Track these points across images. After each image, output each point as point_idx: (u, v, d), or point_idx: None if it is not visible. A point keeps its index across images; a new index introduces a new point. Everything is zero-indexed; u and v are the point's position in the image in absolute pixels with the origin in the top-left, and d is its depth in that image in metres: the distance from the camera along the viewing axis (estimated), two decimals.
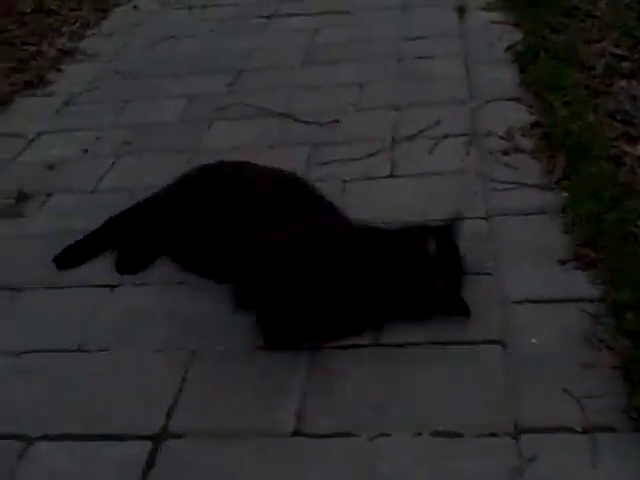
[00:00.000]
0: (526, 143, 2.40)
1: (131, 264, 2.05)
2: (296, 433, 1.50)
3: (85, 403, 1.65)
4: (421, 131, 2.54)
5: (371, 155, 2.43)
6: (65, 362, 1.77)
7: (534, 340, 1.64)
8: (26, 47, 3.64)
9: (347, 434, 1.48)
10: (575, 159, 2.21)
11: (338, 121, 2.70)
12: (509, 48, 3.06)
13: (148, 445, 1.52)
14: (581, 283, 1.78)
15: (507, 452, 1.39)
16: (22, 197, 2.43)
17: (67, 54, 3.62)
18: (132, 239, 2.10)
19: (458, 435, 1.44)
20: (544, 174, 2.22)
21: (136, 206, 2.20)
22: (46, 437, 1.57)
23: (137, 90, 3.18)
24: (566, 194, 2.09)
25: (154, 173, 2.49)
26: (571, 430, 1.41)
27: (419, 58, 3.15)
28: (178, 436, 1.54)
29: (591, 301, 1.71)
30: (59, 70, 3.48)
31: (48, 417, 1.62)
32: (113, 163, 2.61)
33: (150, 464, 1.48)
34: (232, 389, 1.62)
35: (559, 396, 1.48)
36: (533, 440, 1.40)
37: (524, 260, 1.88)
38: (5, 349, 1.83)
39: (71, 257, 2.10)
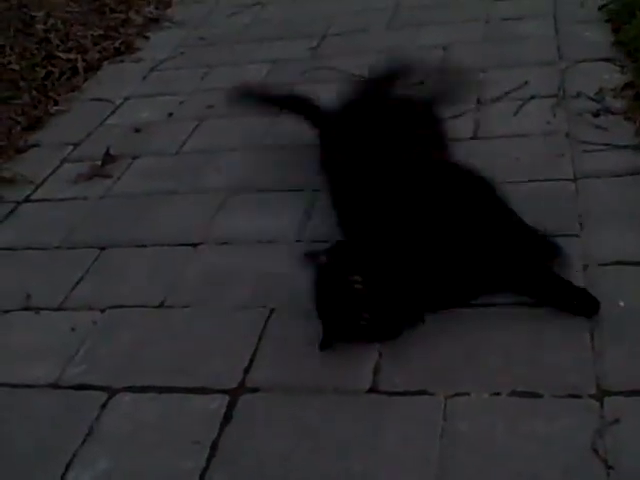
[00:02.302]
0: (618, 104, 2.30)
1: None
2: (372, 390, 1.50)
3: (167, 358, 1.68)
4: (507, 92, 2.48)
5: (455, 117, 2.37)
6: (148, 318, 1.81)
7: (621, 303, 1.58)
8: (115, 15, 3.71)
9: (423, 392, 1.46)
10: None
11: (422, 83, 2.65)
12: (602, 7, 2.94)
13: (226, 399, 1.54)
14: None
15: (589, 414, 1.35)
16: (109, 159, 2.49)
17: (154, 21, 3.68)
18: None
19: (538, 395, 1.41)
20: (636, 135, 2.13)
21: None
22: (130, 389, 1.61)
23: (221, 56, 3.21)
24: None
25: (235, 136, 2.52)
26: None
27: (507, 19, 3.06)
28: (255, 390, 1.55)
29: None
30: (146, 37, 3.54)
31: (131, 370, 1.66)
32: (196, 126, 2.64)
33: (228, 417, 1.50)
34: (309, 347, 1.62)
35: None
36: (617, 402, 1.36)
37: (612, 222, 1.81)
38: (91, 304, 1.88)
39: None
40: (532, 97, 2.42)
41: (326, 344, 1.60)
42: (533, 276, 1.64)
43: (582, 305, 1.58)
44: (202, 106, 2.78)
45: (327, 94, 2.69)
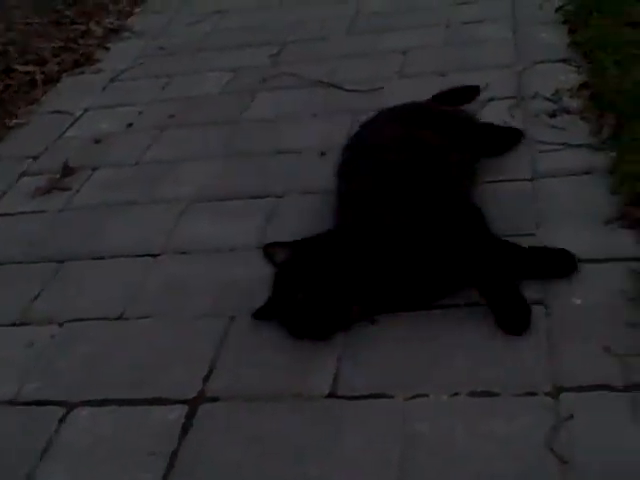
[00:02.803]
0: (574, 104, 2.32)
1: None
2: (331, 395, 1.49)
3: (126, 370, 1.67)
4: None
5: None
6: (107, 330, 1.79)
7: (577, 300, 1.59)
8: (74, 26, 3.69)
9: (382, 395, 1.46)
10: (625, 118, 2.13)
11: (382, 88, 2.66)
12: (559, 9, 2.97)
13: (185, 409, 1.53)
14: (627, 243, 1.71)
15: (545, 411, 1.35)
16: (68, 171, 2.47)
17: (114, 32, 3.67)
18: None
19: (496, 395, 1.41)
20: (592, 135, 2.14)
21: None
22: (88, 402, 1.60)
23: (181, 65, 3.20)
24: (614, 154, 2.02)
25: (195, 145, 2.52)
26: (612, 388, 1.37)
27: (466, 23, 3.09)
28: (214, 399, 1.54)
29: (637, 260, 1.65)
30: (106, 48, 3.53)
31: (89, 384, 1.65)
32: (157, 136, 2.63)
33: (187, 427, 1.49)
34: (268, 354, 1.62)
35: (601, 355, 1.44)
36: (572, 399, 1.37)
37: (569, 221, 1.82)
38: (50, 318, 1.86)
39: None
40: (491, 99, 2.44)
41: (260, 314, 1.68)
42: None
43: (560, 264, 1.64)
44: (162, 116, 2.77)
45: (288, 101, 2.71)
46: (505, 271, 1.62)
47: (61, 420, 1.56)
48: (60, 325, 1.83)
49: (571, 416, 1.32)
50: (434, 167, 1.86)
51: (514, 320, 1.55)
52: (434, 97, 2.38)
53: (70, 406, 1.59)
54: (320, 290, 1.59)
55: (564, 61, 2.59)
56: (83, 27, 3.68)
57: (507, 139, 2.16)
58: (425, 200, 1.73)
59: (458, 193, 1.83)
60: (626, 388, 1.36)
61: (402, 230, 1.65)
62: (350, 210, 1.80)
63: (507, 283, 1.60)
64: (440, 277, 1.64)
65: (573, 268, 1.65)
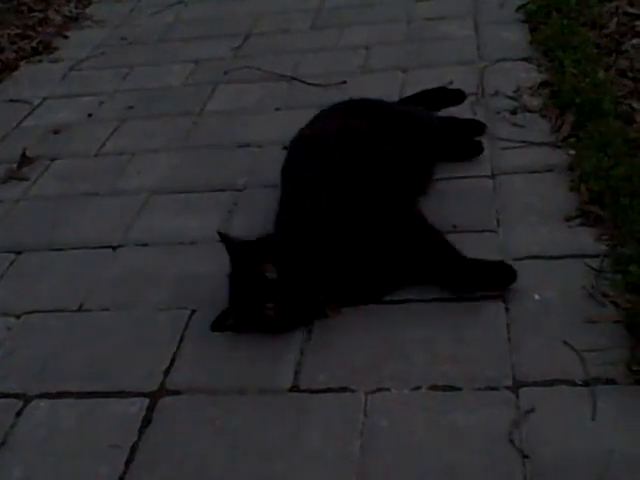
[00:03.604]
0: (534, 102, 2.35)
1: None
2: (294, 389, 1.49)
3: (85, 362, 1.64)
4: None
5: None
6: (66, 322, 1.77)
7: (537, 296, 1.61)
8: (33, 14, 3.63)
9: (344, 389, 1.47)
10: (584, 117, 2.17)
11: (345, 82, 2.66)
12: (520, 8, 3.00)
13: (146, 402, 1.51)
14: (586, 239, 1.74)
15: (506, 405, 1.37)
16: (26, 161, 2.43)
17: (73, 20, 3.62)
18: None
19: (457, 389, 1.42)
20: (552, 132, 2.17)
21: None
22: (46, 395, 1.57)
23: (143, 56, 3.17)
24: (573, 152, 2.05)
25: (157, 137, 2.50)
26: (571, 383, 1.39)
27: (429, 19, 3.10)
28: (175, 393, 1.53)
29: (596, 257, 1.68)
30: (65, 37, 3.48)
31: (47, 376, 1.62)
32: (117, 127, 2.60)
33: (147, 420, 1.48)
34: (229, 347, 1.61)
35: (560, 350, 1.46)
36: (532, 393, 1.38)
37: (529, 217, 1.84)
38: (6, 310, 1.83)
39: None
40: None
41: (219, 326, 1.63)
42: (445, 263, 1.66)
43: (498, 276, 1.63)
44: (123, 107, 2.74)
45: (250, 94, 2.70)
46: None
47: (18, 413, 1.53)
48: (17, 317, 1.80)
49: (532, 410, 1.34)
50: (371, 160, 1.84)
51: (499, 276, 1.61)
52: (416, 95, 2.38)
53: (27, 398, 1.56)
54: (290, 297, 1.58)
55: (525, 59, 2.63)
56: (41, 15, 3.62)
57: (467, 148, 2.13)
58: (363, 196, 1.72)
59: (398, 193, 1.81)
60: (585, 383, 1.38)
61: (342, 227, 1.65)
62: (290, 208, 1.80)
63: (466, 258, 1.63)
64: (387, 270, 1.65)
65: (511, 280, 1.63)
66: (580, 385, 1.38)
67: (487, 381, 1.43)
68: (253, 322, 1.61)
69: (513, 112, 2.31)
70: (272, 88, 2.73)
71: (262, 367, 1.55)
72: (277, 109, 2.58)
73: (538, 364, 1.44)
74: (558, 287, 1.62)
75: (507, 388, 1.40)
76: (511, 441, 1.30)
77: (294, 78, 2.75)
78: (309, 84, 2.69)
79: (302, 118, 2.41)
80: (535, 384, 1.40)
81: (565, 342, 1.47)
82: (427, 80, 2.54)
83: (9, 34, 3.39)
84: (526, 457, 1.27)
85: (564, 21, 2.77)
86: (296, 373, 1.52)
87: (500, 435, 1.32)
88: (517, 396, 1.38)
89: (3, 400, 1.57)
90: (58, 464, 1.41)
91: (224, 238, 1.68)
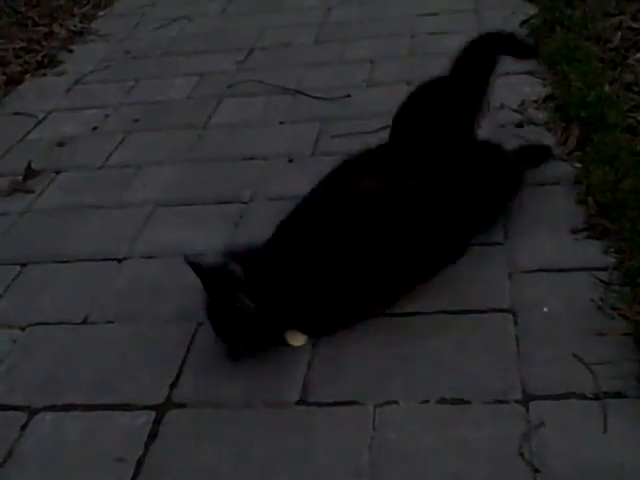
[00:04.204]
0: (540, 115, 2.36)
1: None
2: (301, 402, 1.48)
3: (90, 375, 1.63)
4: None
5: (383, 128, 2.38)
6: (71, 335, 1.76)
7: (545, 309, 1.60)
8: (38, 28, 3.64)
9: (353, 402, 1.45)
10: (590, 130, 2.17)
11: (349, 96, 2.67)
12: (524, 22, 3.01)
13: (152, 415, 1.50)
14: (594, 252, 1.74)
15: (516, 419, 1.36)
16: (31, 173, 2.43)
17: (78, 35, 3.63)
18: None
19: (466, 402, 1.41)
20: (557, 146, 2.17)
21: None
22: (51, 408, 1.56)
23: (147, 69, 3.17)
24: (580, 165, 2.05)
25: (162, 149, 2.50)
26: (581, 396, 1.38)
27: (432, 34, 3.11)
28: (182, 405, 1.52)
29: (604, 269, 1.67)
30: (70, 50, 3.49)
31: (53, 388, 1.61)
32: (122, 140, 2.61)
33: (154, 434, 1.46)
34: (237, 361, 1.60)
35: (570, 363, 1.45)
36: (542, 406, 1.37)
37: (536, 230, 1.84)
38: (11, 322, 1.82)
39: None
40: None
41: (235, 355, 1.60)
42: None
43: None
44: (128, 120, 2.74)
45: (255, 107, 2.70)
46: None
47: (23, 426, 1.52)
48: (22, 329, 1.79)
49: (542, 423, 1.33)
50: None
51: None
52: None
53: (32, 411, 1.55)
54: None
55: (529, 73, 2.63)
56: (46, 29, 3.63)
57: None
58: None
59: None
60: (595, 396, 1.37)
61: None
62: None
63: None
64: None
65: None
66: (590, 398, 1.37)
67: (496, 394, 1.42)
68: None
69: (518, 125, 2.32)
70: (276, 101, 2.73)
71: (269, 380, 1.54)
72: (281, 122, 2.58)
73: (548, 377, 1.43)
74: (566, 300, 1.62)
75: (516, 401, 1.39)
76: (521, 455, 1.29)
77: (298, 91, 2.75)
78: (313, 97, 2.70)
79: (307, 132, 2.44)
80: (545, 397, 1.39)
81: (574, 355, 1.47)
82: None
83: (14, 48, 3.40)
84: (537, 471, 1.26)
85: (568, 35, 2.78)
86: (304, 386, 1.51)
87: (510, 449, 1.30)
88: (527, 409, 1.37)
89: (8, 412, 1.56)
90: (64, 477, 1.40)
91: (194, 267, 1.63)
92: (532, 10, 3.09)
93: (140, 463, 1.40)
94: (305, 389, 1.50)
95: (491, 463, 1.29)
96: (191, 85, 2.95)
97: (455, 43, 2.94)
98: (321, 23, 3.40)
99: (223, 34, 3.44)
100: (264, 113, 2.66)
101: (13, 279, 1.97)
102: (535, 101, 2.43)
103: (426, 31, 3.15)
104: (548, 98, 2.43)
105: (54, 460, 1.44)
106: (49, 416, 1.54)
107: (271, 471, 1.35)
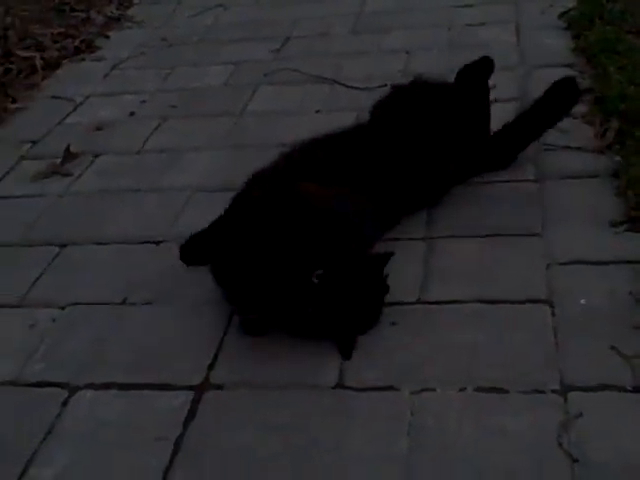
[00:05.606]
0: (578, 108, 2.32)
1: None
2: (338, 386, 1.49)
3: (129, 354, 1.66)
4: None
5: None
6: (110, 315, 1.78)
7: (583, 301, 1.60)
8: (75, 14, 3.67)
9: (390, 388, 1.46)
10: (629, 123, 2.15)
11: (386, 86, 2.66)
12: (562, 15, 2.99)
13: (190, 395, 1.52)
14: (633, 245, 1.73)
15: (554, 409, 1.36)
16: (69, 156, 2.45)
17: (115, 21, 3.65)
18: None
19: (503, 391, 1.41)
20: (596, 138, 2.16)
21: None
22: (91, 385, 1.58)
23: (183, 56, 3.19)
24: (619, 158, 2.04)
25: (198, 135, 2.51)
26: (620, 388, 1.37)
27: (469, 25, 3.10)
28: (219, 387, 1.53)
29: None
30: (106, 37, 3.51)
31: (92, 367, 1.63)
32: (158, 126, 2.62)
33: (192, 414, 1.48)
34: (274, 343, 1.61)
35: (608, 355, 1.45)
36: (581, 398, 1.37)
37: (574, 222, 1.83)
38: (50, 302, 1.85)
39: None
40: (495, 100, 2.44)
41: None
42: None
43: None
44: (164, 105, 2.76)
45: (290, 96, 2.71)
46: None
47: (64, 403, 1.55)
48: (62, 308, 1.81)
49: (580, 414, 1.33)
50: None
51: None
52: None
53: (72, 389, 1.58)
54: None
55: (568, 66, 2.60)
56: (83, 15, 3.66)
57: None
58: None
59: None
60: (635, 389, 1.37)
61: None
62: None
63: None
64: None
65: None
66: (630, 391, 1.37)
67: (534, 384, 1.42)
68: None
69: None
70: (312, 91, 2.74)
71: (306, 363, 1.55)
72: (317, 111, 2.59)
73: (586, 369, 1.43)
74: (604, 292, 1.61)
75: (554, 392, 1.39)
76: (560, 444, 1.29)
77: (335, 81, 2.75)
78: (350, 87, 2.70)
79: (343, 121, 2.43)
80: (583, 389, 1.39)
81: (612, 347, 1.46)
82: None
83: (52, 33, 3.43)
84: (576, 461, 1.26)
85: (607, 28, 2.76)
86: (341, 371, 1.52)
87: (548, 438, 1.30)
88: (565, 400, 1.37)
89: (50, 389, 1.59)
90: (104, 455, 1.42)
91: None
92: (571, 2, 3.06)
93: (178, 443, 1.42)
94: (342, 373, 1.51)
95: (529, 452, 1.29)
96: (227, 73, 2.97)
97: (492, 35, 2.96)
98: (357, 13, 3.39)
99: (258, 23, 3.44)
100: (300, 102, 2.66)
101: (52, 259, 2.00)
102: None
103: (463, 22, 3.13)
104: (587, 91, 2.41)
105: (94, 437, 1.46)
106: (89, 394, 1.56)
107: (308, 453, 1.36)
